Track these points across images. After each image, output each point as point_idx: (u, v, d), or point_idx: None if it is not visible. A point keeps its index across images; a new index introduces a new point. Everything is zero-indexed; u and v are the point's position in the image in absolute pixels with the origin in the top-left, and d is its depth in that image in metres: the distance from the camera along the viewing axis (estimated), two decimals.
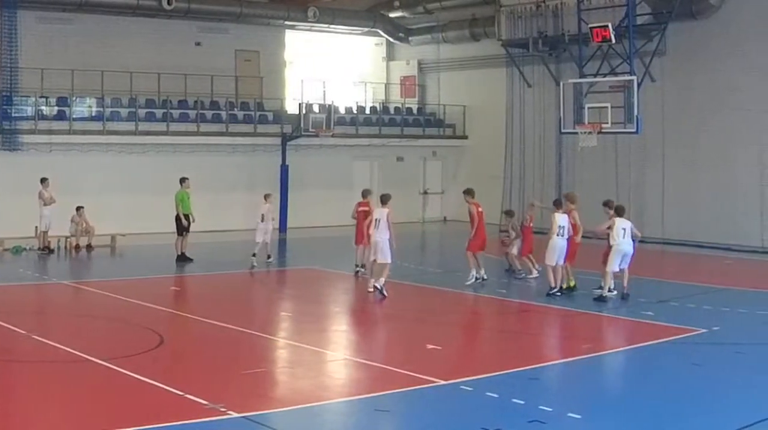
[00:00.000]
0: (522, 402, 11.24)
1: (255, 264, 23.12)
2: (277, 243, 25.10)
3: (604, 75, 26.79)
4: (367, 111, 37.47)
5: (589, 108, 25.78)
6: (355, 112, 36.64)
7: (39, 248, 25.78)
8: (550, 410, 10.97)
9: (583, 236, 19.87)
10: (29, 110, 28.93)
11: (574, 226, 19.36)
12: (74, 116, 29.64)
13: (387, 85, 39.98)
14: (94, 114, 30.42)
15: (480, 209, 20.58)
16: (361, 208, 21.65)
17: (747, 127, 28.09)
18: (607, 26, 25.69)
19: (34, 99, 28.96)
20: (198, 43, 33.65)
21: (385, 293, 18.81)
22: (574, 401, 11.61)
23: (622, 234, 18.35)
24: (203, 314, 17.06)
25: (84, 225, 26.65)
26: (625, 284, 18.57)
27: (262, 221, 23.69)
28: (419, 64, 39.34)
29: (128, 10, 31.32)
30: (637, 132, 25.74)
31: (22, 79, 28.34)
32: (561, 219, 19.08)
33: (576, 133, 26.47)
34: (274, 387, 12.54)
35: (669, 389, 12.14)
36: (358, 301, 19.79)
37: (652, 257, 26.24)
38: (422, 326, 16.80)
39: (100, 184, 28.97)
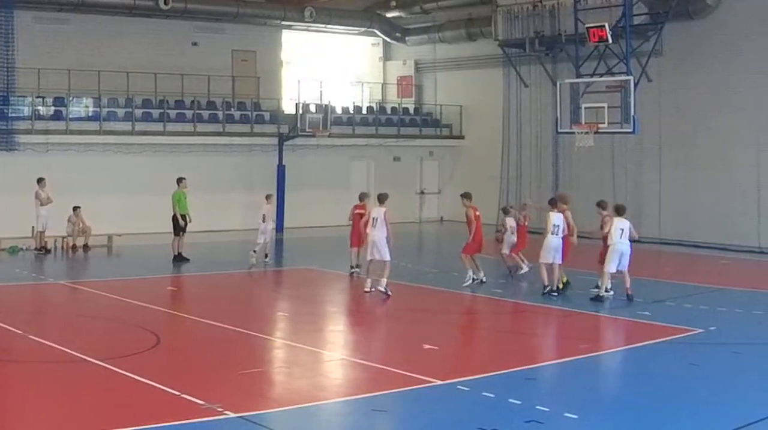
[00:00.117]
0: (519, 402, 11.25)
1: (254, 261, 23.22)
2: (274, 243, 25.09)
3: (601, 75, 26.80)
4: (364, 111, 37.47)
5: (585, 108, 25.81)
6: (351, 112, 36.65)
7: (36, 248, 25.77)
8: (547, 410, 10.98)
9: (583, 237, 19.89)
10: (26, 110, 28.89)
11: (569, 226, 19.38)
12: (71, 116, 29.59)
13: (384, 85, 39.99)
14: (90, 114, 30.39)
15: (477, 213, 20.61)
16: (357, 211, 21.69)
17: (744, 127, 28.11)
18: (603, 26, 25.71)
19: (30, 99, 28.92)
20: (195, 43, 33.64)
21: (389, 292, 18.84)
22: (571, 401, 11.61)
23: (620, 234, 18.36)
24: (200, 314, 17.05)
25: (81, 225, 26.64)
26: (628, 285, 18.54)
27: (263, 221, 23.77)
28: (416, 64, 39.34)
29: (125, 10, 31.31)
30: (633, 132, 25.77)
31: (18, 79, 28.25)
32: (556, 218, 19.11)
33: (573, 133, 26.51)
34: (271, 387, 12.54)
35: (666, 389, 12.15)
36: (354, 301, 19.81)
37: (649, 256, 26.25)
38: (419, 326, 16.83)
39: (96, 185, 28.94)
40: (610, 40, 25.82)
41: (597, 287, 18.99)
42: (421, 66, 39.35)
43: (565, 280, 19.60)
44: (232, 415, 10.54)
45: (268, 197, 24.54)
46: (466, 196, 20.88)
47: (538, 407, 11.05)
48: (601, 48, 26.86)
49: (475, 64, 36.64)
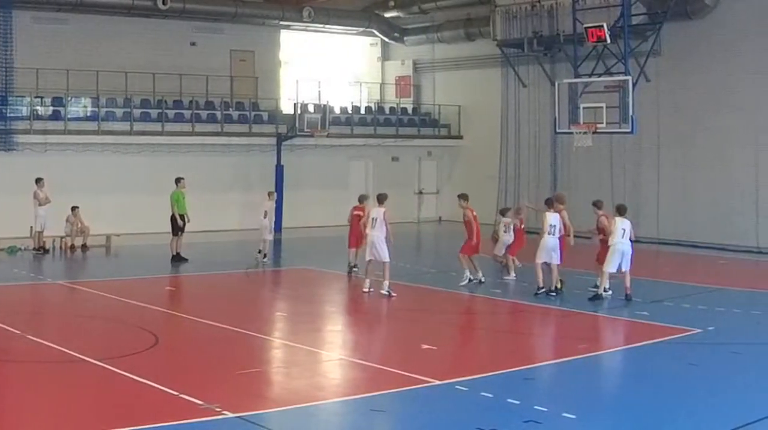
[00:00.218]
0: (517, 402, 11.25)
1: (264, 260, 23.52)
2: (272, 243, 25.10)
3: (599, 75, 26.82)
4: (362, 111, 37.47)
5: (584, 108, 25.82)
6: (350, 112, 36.64)
7: (34, 248, 25.75)
8: (546, 410, 10.98)
9: (580, 236, 19.89)
10: (24, 110, 28.88)
11: (565, 225, 19.37)
12: (69, 116, 29.60)
13: (382, 85, 39.99)
14: (89, 114, 30.38)
15: (475, 214, 20.61)
16: (355, 212, 21.73)
17: (743, 127, 28.12)
18: (602, 26, 25.72)
19: (29, 99, 28.91)
20: (193, 43, 33.63)
21: (392, 293, 18.85)
22: (569, 401, 11.60)
23: (622, 234, 18.36)
24: (198, 314, 17.04)
25: (79, 225, 26.60)
26: (627, 285, 18.51)
27: (265, 217, 23.90)
28: (414, 64, 39.34)
29: (123, 10, 31.30)
30: (632, 132, 25.78)
31: (17, 79, 28.25)
32: (552, 218, 19.10)
33: (571, 133, 26.53)
34: (270, 387, 12.54)
35: (664, 389, 12.15)
36: (353, 301, 19.82)
37: (648, 256, 26.24)
38: (417, 326, 16.83)
39: (95, 185, 28.93)
40: (609, 40, 25.84)
41: (595, 286, 18.99)
42: (419, 66, 39.36)
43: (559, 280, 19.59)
44: (230, 415, 10.53)
45: (270, 194, 24.83)
46: (462, 197, 20.90)
47: (536, 407, 11.05)
48: (599, 48, 26.89)
49: (473, 64, 36.64)
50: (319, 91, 33.70)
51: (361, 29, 38.25)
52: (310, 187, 33.63)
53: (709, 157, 29.10)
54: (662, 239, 29.57)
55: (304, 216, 32.69)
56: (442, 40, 37.69)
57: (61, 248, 26.42)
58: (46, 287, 21.04)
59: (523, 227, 21.71)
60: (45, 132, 28.72)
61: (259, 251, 23.89)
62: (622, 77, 25.62)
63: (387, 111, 38.16)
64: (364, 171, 35.78)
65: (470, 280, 20.46)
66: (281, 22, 35.38)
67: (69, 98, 29.78)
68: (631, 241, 18.69)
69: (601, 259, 19.12)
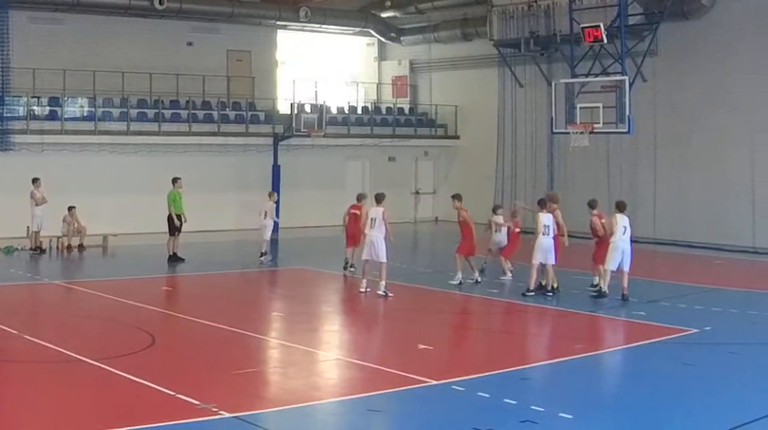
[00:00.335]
0: (514, 402, 11.26)
1: (269, 260, 23.63)
2: (269, 243, 25.10)
3: (596, 75, 26.81)
4: (359, 111, 37.47)
5: (580, 108, 25.83)
6: (346, 112, 36.63)
7: (31, 248, 25.72)
8: (542, 410, 10.98)
9: (575, 236, 19.89)
10: (21, 110, 28.87)
11: (558, 225, 19.36)
12: (66, 116, 29.60)
13: (379, 85, 39.99)
14: (85, 114, 30.36)
15: (468, 214, 20.60)
16: (352, 211, 21.72)
17: (739, 127, 28.14)
18: (598, 26, 25.72)
19: (25, 99, 28.90)
20: (190, 43, 33.60)
21: (389, 294, 18.85)
22: (566, 401, 11.61)
23: (623, 231, 18.37)
24: (195, 314, 17.04)
25: (76, 225, 26.59)
26: (625, 285, 18.50)
27: (265, 217, 23.94)
28: (411, 64, 39.34)
29: (120, 10, 31.28)
30: (628, 132, 25.77)
31: (13, 79, 28.24)
32: (545, 218, 19.07)
33: (568, 133, 26.54)
34: (266, 387, 12.53)
35: (661, 389, 12.15)
36: (349, 301, 19.81)
37: (644, 256, 26.17)
38: (414, 325, 16.83)
39: (91, 184, 28.92)
40: (605, 40, 25.83)
41: (593, 286, 18.99)
42: (416, 66, 39.36)
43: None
44: (227, 415, 10.54)
45: (270, 194, 24.99)
46: (456, 197, 20.88)
47: (533, 407, 11.06)
48: (596, 48, 26.87)
49: (470, 64, 36.64)
50: (316, 91, 33.72)
51: (358, 29, 38.25)
52: (306, 187, 33.63)
53: (705, 157, 29.12)
54: (659, 238, 29.58)
55: (301, 216, 32.65)
56: (439, 40, 37.69)
57: (57, 247, 26.39)
58: (42, 287, 21.02)
59: (518, 230, 21.61)
60: (42, 132, 28.70)
61: (262, 254, 23.89)
62: (618, 77, 25.62)
63: (384, 111, 38.17)
64: (360, 171, 35.77)
65: (460, 282, 20.41)
66: (278, 22, 35.37)
67: (66, 98, 29.77)
68: (630, 239, 18.71)
69: (597, 258, 19.13)
